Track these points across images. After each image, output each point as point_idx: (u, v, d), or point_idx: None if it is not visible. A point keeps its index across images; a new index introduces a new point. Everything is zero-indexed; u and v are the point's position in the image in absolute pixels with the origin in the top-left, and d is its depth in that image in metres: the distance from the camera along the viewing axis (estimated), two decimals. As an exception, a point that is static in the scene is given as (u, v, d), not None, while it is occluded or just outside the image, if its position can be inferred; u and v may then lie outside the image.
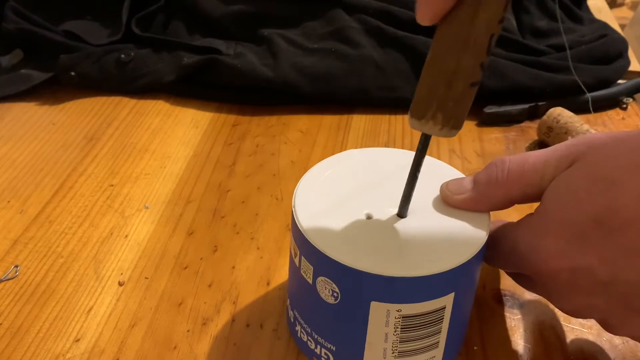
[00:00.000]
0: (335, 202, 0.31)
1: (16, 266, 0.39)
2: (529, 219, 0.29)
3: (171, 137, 0.53)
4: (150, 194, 0.46)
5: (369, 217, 0.30)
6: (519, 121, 0.55)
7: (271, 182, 0.47)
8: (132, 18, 0.63)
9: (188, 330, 0.35)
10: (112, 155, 0.50)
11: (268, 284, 0.38)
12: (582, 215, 0.26)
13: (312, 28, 0.62)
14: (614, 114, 0.57)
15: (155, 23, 0.65)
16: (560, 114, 0.50)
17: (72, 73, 0.58)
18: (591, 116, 0.56)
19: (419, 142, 0.29)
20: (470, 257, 0.28)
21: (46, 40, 0.60)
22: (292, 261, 0.32)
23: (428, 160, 0.34)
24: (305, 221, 0.29)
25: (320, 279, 0.29)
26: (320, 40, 0.60)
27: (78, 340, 0.34)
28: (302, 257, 0.30)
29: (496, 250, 0.31)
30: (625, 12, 0.98)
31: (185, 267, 0.39)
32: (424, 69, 0.26)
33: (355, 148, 0.35)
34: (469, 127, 0.54)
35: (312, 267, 0.29)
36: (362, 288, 0.28)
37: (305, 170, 0.33)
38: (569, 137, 0.49)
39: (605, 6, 0.77)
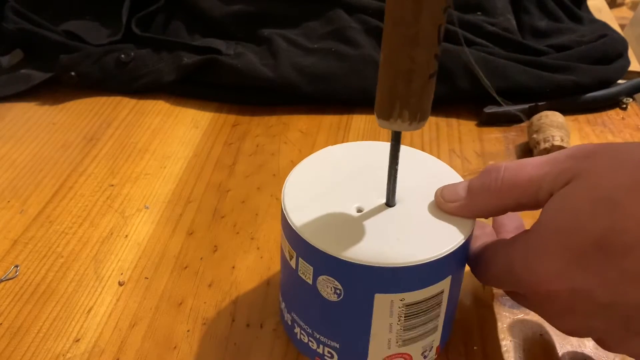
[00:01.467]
0: (325, 200, 0.31)
1: (16, 266, 0.39)
2: (526, 237, 0.29)
3: (171, 137, 0.53)
4: (150, 194, 0.46)
5: (359, 211, 0.30)
6: (519, 121, 0.55)
7: (271, 182, 0.47)
8: (132, 18, 0.63)
9: (188, 330, 0.35)
10: (112, 155, 0.50)
11: (268, 284, 0.38)
12: (583, 237, 0.26)
13: (312, 28, 0.62)
14: (614, 114, 0.57)
15: (155, 23, 0.65)
16: (547, 115, 0.50)
17: (72, 73, 0.58)
18: (591, 116, 0.56)
19: (391, 138, 0.29)
20: (464, 240, 0.29)
21: (46, 40, 0.60)
22: (286, 264, 0.32)
23: (412, 151, 0.35)
24: (300, 223, 0.29)
25: (321, 278, 0.29)
26: (320, 40, 0.60)
27: (78, 340, 0.34)
28: (300, 259, 0.30)
29: (490, 269, 0.31)
30: (625, 12, 0.98)
31: (185, 267, 0.39)
32: (380, 69, 0.27)
33: (355, 148, 0.35)
34: (469, 127, 0.54)
35: (312, 268, 0.29)
36: (366, 282, 0.28)
37: (305, 170, 0.33)
38: (535, 135, 0.50)
39: (605, 6, 0.77)
